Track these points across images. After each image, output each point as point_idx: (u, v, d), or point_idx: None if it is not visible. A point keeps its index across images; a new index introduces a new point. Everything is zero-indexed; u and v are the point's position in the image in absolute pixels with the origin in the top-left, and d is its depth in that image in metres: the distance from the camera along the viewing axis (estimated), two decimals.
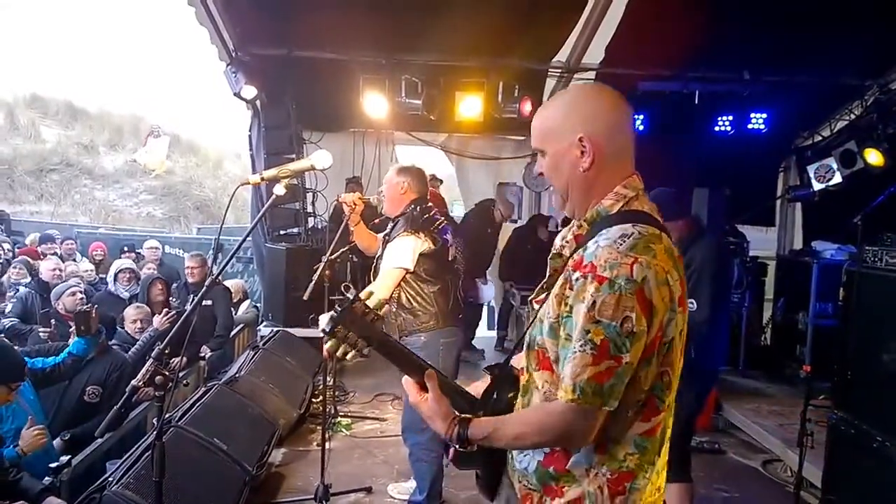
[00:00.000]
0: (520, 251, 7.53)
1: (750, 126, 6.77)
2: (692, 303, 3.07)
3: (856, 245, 3.88)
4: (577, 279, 1.47)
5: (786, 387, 6.15)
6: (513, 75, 6.61)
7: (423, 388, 1.66)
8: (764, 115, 6.73)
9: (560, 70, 7.01)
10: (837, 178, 6.56)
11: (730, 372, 6.39)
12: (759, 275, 7.29)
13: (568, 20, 6.30)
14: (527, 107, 6.59)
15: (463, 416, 1.63)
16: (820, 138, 7.45)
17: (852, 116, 6.99)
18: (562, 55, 6.86)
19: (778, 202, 8.27)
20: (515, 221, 8.09)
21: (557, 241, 1.70)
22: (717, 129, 6.80)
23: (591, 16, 6.21)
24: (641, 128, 6.82)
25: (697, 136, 6.86)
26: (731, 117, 6.74)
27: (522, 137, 8.54)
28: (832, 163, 6.60)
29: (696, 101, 6.66)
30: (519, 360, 1.77)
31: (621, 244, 1.45)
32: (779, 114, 6.74)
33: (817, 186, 6.79)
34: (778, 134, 7.06)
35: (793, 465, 4.22)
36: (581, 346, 1.44)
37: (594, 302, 1.42)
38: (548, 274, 1.70)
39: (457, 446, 1.62)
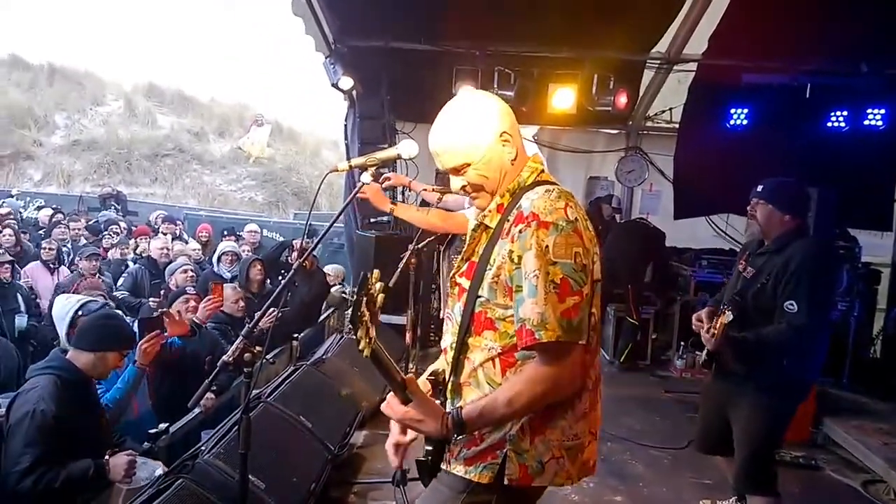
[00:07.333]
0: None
1: (866, 122, 6.32)
2: (792, 304, 2.89)
3: None
4: (520, 231, 1.59)
5: (894, 404, 5.70)
6: (608, 67, 6.47)
7: (405, 402, 1.65)
8: (882, 111, 6.26)
9: (659, 61, 6.78)
10: None
11: (833, 385, 5.99)
12: (872, 282, 6.76)
13: (670, 7, 6.07)
14: (622, 99, 6.42)
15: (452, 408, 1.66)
16: None
17: None
18: (661, 46, 6.62)
19: (895, 205, 7.64)
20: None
21: (475, 216, 1.81)
22: (829, 124, 6.39)
23: (696, 2, 5.95)
24: (745, 122, 6.50)
25: (807, 132, 6.44)
26: (845, 112, 6.32)
27: (616, 131, 8.34)
28: None
29: (808, 95, 6.27)
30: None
31: (549, 196, 1.63)
32: None
33: None
34: None
35: None
36: (544, 287, 1.54)
37: (547, 246, 1.55)
38: (466, 243, 1.79)
39: (456, 436, 1.65)
